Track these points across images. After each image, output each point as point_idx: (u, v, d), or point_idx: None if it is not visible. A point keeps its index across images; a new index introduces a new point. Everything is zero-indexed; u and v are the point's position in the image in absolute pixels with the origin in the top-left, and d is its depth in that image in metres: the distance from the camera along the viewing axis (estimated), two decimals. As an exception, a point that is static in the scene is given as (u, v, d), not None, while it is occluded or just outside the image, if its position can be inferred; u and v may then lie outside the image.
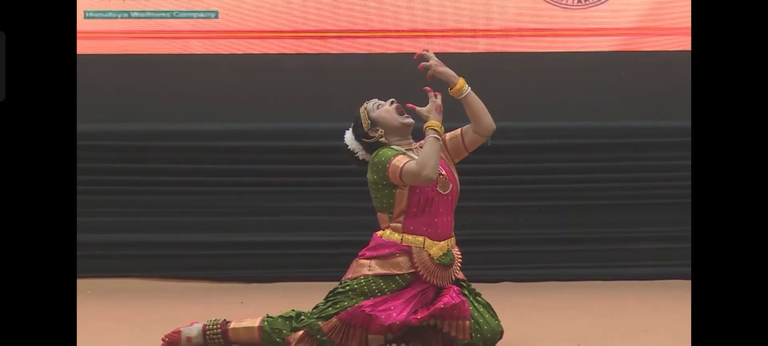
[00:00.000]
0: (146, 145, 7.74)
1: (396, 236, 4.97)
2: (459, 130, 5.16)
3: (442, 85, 5.17)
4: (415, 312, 4.88)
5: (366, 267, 4.97)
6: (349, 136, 5.18)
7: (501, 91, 7.36)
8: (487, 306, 5.04)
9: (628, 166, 7.82)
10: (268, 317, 5.04)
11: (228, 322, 5.07)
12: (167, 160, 7.75)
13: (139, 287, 7.50)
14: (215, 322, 5.08)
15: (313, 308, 5.00)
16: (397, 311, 4.84)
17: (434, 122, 4.94)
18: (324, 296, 5.06)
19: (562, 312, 6.39)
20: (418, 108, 5.03)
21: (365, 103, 5.16)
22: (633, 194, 7.80)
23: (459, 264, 5.10)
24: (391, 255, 4.96)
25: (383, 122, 5.07)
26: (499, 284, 7.42)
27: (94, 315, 6.29)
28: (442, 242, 5.00)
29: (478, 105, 5.09)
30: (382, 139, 5.06)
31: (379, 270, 4.95)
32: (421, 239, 4.97)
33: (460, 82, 5.04)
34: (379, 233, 5.05)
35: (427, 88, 5.05)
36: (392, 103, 5.11)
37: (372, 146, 5.09)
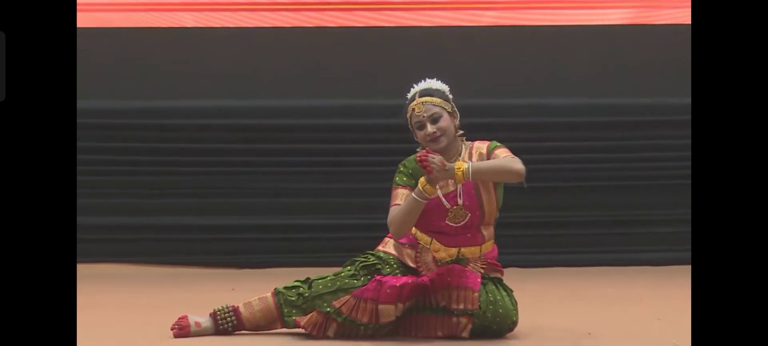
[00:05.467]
0: (125, 123, 7.81)
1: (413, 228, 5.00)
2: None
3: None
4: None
5: (388, 245, 5.02)
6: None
7: (505, 67, 7.76)
8: (509, 292, 4.98)
9: (641, 145, 7.87)
10: (276, 290, 4.99)
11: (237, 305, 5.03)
12: (147, 139, 7.81)
13: (117, 272, 7.58)
14: (225, 306, 5.02)
15: (337, 274, 4.95)
16: (408, 279, 4.80)
17: (422, 179, 4.74)
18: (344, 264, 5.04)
19: (570, 300, 6.41)
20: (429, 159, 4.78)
21: (414, 104, 4.90)
22: (646, 175, 7.83)
23: (480, 270, 4.99)
24: (402, 245, 4.97)
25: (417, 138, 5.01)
26: (505, 270, 7.12)
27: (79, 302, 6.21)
28: (452, 249, 4.93)
29: (492, 174, 4.85)
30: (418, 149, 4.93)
31: (393, 252, 4.98)
32: (429, 238, 4.94)
33: (458, 172, 4.74)
34: None
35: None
36: (429, 136, 4.86)
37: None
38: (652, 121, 7.85)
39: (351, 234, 7.35)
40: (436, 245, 4.94)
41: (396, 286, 4.74)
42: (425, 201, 4.76)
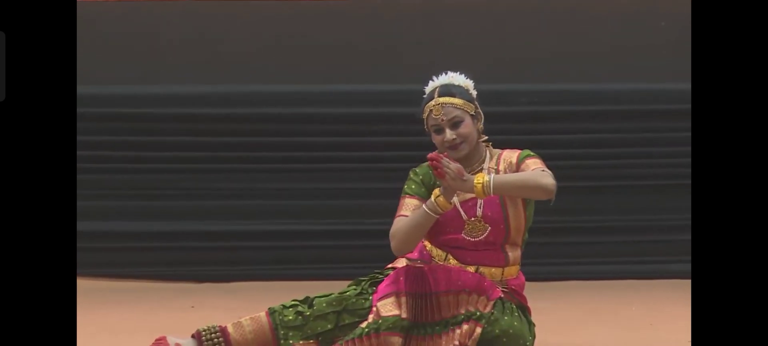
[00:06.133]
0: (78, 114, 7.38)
1: (425, 241, 4.94)
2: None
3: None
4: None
5: (401, 262, 4.95)
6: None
7: (508, 48, 7.53)
8: (531, 323, 4.94)
9: (664, 138, 7.60)
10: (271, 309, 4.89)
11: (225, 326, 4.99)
12: (88, 132, 7.36)
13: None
14: (211, 326, 4.92)
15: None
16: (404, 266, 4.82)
17: (436, 191, 4.70)
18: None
19: (586, 319, 6.30)
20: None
21: (432, 104, 4.82)
22: (670, 173, 7.53)
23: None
24: (414, 261, 4.90)
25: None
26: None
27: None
28: (469, 267, 4.84)
29: (517, 189, 4.74)
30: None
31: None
32: (443, 254, 4.85)
33: (477, 186, 4.62)
34: None
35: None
36: (447, 143, 4.79)
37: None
38: (678, 110, 7.46)
39: (336, 242, 7.17)
40: (452, 261, 4.83)
41: (391, 274, 4.70)
42: (437, 216, 4.70)
